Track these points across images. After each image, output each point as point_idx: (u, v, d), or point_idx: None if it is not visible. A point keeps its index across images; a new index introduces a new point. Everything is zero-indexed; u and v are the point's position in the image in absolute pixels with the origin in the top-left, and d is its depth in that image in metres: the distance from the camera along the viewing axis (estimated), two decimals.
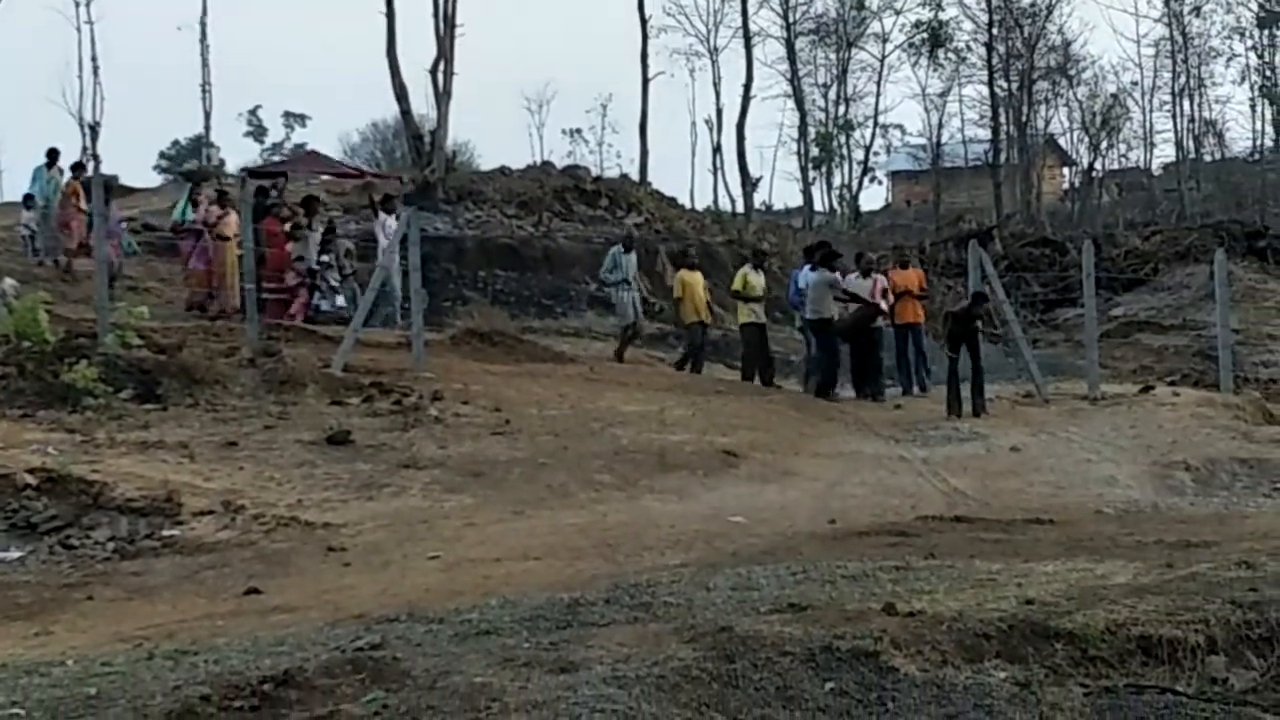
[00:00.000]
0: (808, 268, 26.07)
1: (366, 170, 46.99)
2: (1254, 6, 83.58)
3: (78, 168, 31.53)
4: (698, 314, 27.53)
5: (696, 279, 28.06)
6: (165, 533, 13.68)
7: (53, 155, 31.43)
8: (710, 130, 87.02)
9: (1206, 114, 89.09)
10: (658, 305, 35.92)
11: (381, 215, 27.86)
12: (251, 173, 34.83)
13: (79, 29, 74.61)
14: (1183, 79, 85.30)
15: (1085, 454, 19.90)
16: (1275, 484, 18.65)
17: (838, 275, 25.27)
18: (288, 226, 27.36)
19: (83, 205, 28.79)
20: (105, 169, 53.12)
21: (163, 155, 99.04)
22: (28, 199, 31.83)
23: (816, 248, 27.54)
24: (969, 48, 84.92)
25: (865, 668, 7.20)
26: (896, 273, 26.03)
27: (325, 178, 42.57)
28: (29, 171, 33.25)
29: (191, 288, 27.94)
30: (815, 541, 12.86)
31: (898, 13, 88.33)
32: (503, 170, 52.16)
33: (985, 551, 11.39)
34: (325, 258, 27.18)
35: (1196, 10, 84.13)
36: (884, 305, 25.03)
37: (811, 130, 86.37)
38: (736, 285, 27.40)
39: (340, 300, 27.09)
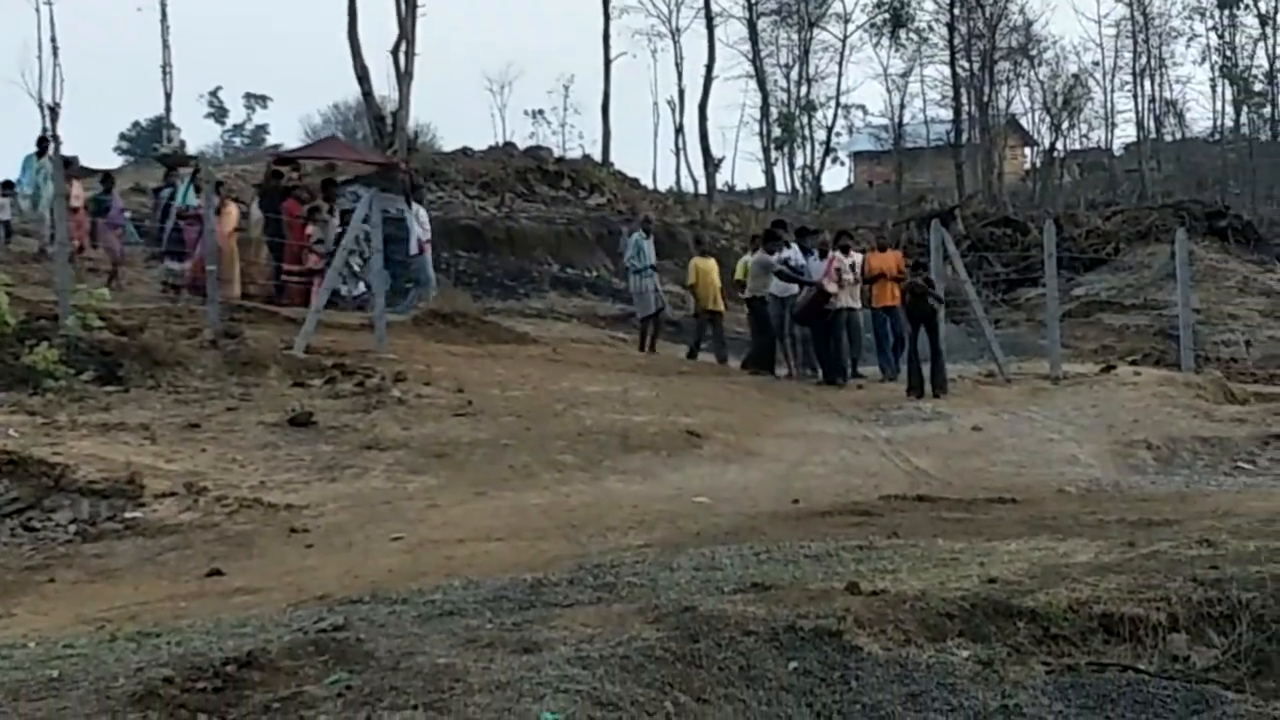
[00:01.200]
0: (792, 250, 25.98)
1: (388, 159, 46.77)
2: None
3: (68, 163, 30.80)
4: (715, 302, 27.44)
5: (711, 266, 27.98)
6: (127, 515, 13.64)
7: (43, 144, 30.91)
8: (672, 111, 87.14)
9: (1167, 94, 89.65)
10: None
11: (414, 205, 27.73)
12: (277, 159, 34.54)
13: (38, 9, 74.49)
14: (1144, 59, 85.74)
15: (1047, 433, 19.95)
16: (1236, 462, 18.73)
17: (774, 259, 25.18)
18: (306, 209, 27.20)
19: (74, 204, 27.81)
20: (66, 150, 52.78)
21: (123, 136, 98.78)
22: (6, 185, 31.17)
23: (772, 228, 27.49)
24: (930, 28, 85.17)
25: (829, 647, 7.21)
26: (874, 255, 25.39)
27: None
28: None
29: (197, 274, 27.43)
30: (779, 521, 12.87)
31: None
32: (465, 151, 52.13)
33: (948, 531, 11.42)
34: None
35: None
36: (830, 287, 24.25)
37: (774, 111, 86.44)
38: (739, 275, 27.23)
39: (361, 286, 26.91)
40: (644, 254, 27.55)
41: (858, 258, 25.20)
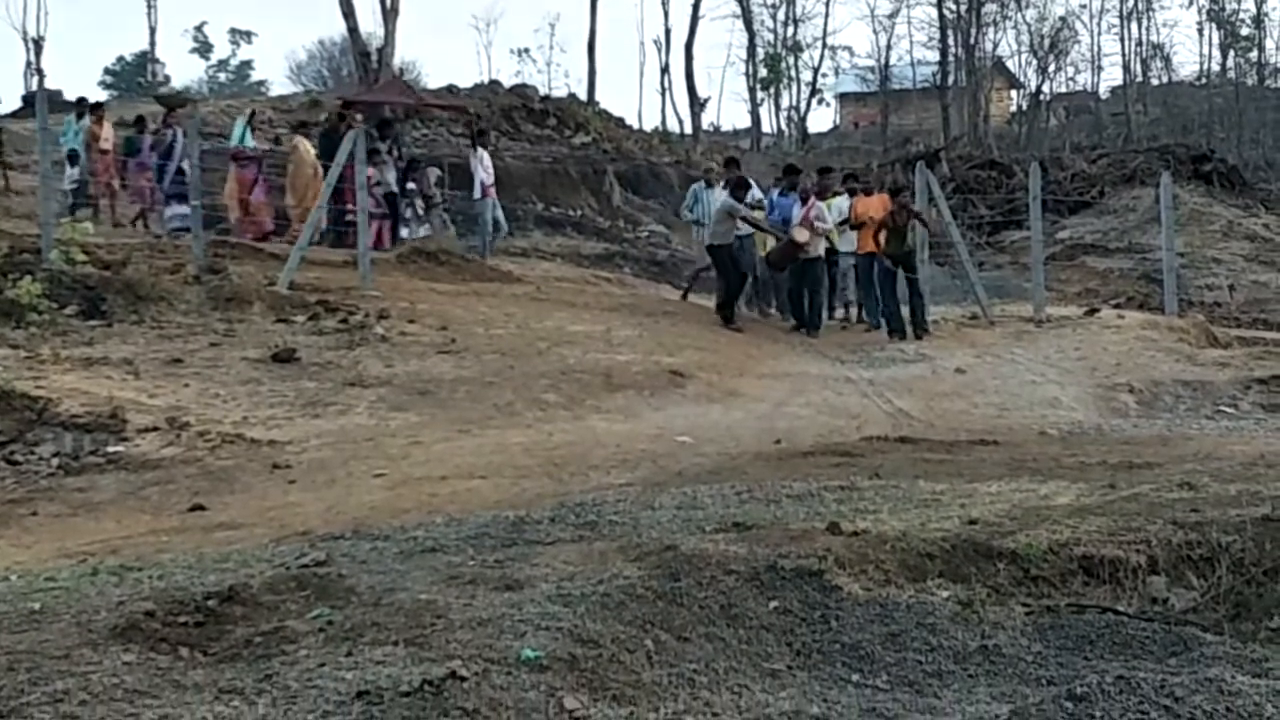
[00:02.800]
0: (776, 192, 25.58)
1: (452, 102, 46.45)
2: None
3: (94, 108, 29.38)
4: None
5: None
6: (110, 449, 13.64)
7: (81, 105, 29.84)
8: (659, 50, 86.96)
9: (1154, 37, 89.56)
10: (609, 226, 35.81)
11: (478, 149, 27.57)
12: (345, 103, 34.27)
13: None
14: (1131, 2, 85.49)
15: (1030, 376, 19.99)
16: (1218, 406, 18.78)
17: (742, 206, 23.76)
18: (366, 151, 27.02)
19: (105, 146, 27.79)
20: (49, 84, 52.54)
21: (107, 70, 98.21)
22: (73, 156, 30.12)
23: (727, 166, 26.96)
24: None
25: (809, 586, 7.24)
26: (860, 200, 24.67)
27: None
28: None
29: (256, 218, 27.11)
30: (760, 461, 12.91)
31: None
32: (450, 89, 51.97)
33: (930, 472, 11.45)
34: (410, 185, 26.90)
35: None
36: (801, 236, 23.30)
37: (760, 51, 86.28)
38: (689, 204, 26.90)
39: (424, 230, 26.73)
40: (702, 202, 26.83)
41: (818, 206, 24.19)
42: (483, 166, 26.96)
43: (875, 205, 23.94)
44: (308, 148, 26.84)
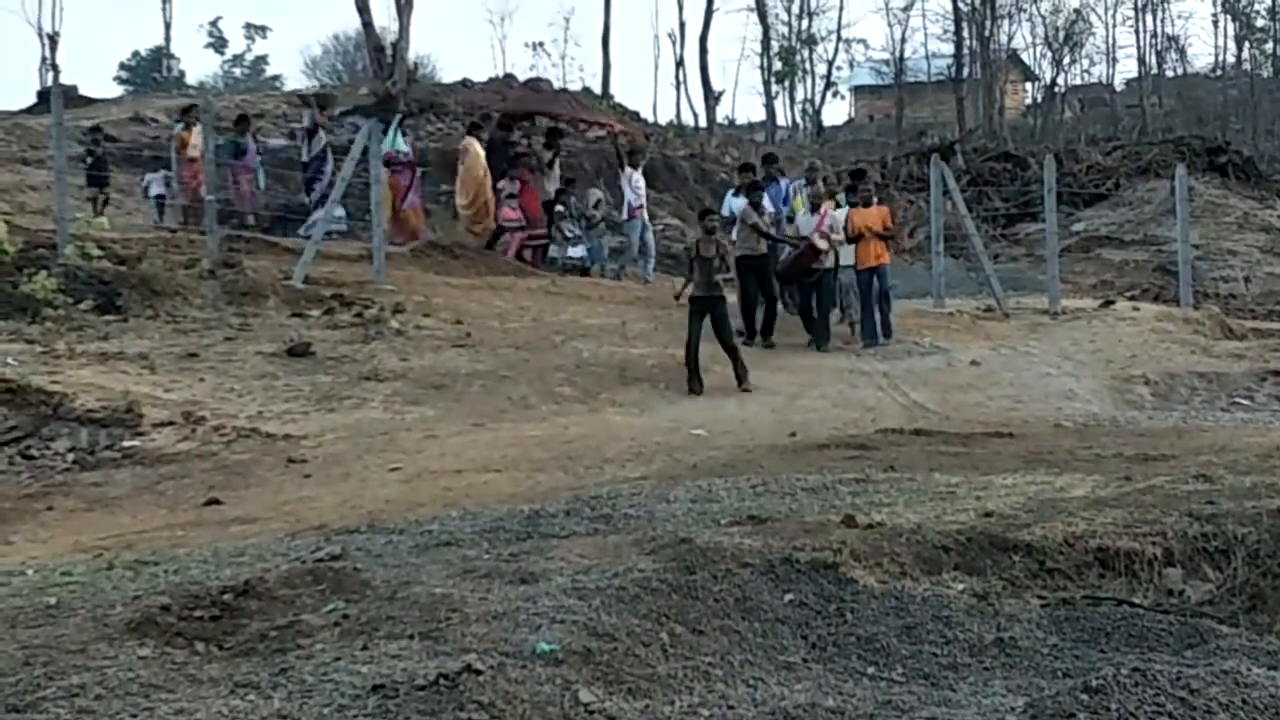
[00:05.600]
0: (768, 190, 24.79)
1: (615, 121, 46.31)
2: None
3: (186, 111, 28.67)
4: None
5: None
6: (125, 444, 13.67)
7: (188, 112, 29.07)
8: (673, 44, 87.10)
9: (1169, 29, 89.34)
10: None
11: (626, 169, 27.15)
12: (504, 115, 34.19)
13: None
14: None
15: (1045, 368, 19.95)
16: (1233, 398, 18.75)
17: (759, 213, 22.34)
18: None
19: (193, 154, 26.63)
20: (64, 79, 52.62)
21: (123, 66, 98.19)
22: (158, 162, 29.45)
23: (742, 171, 26.01)
24: None
25: (824, 579, 7.24)
26: (857, 212, 22.92)
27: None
28: None
29: (410, 224, 26.99)
30: (775, 454, 12.90)
31: None
32: (464, 83, 51.88)
33: (945, 464, 11.44)
34: (559, 207, 26.68)
35: None
36: (821, 244, 22.04)
37: (774, 44, 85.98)
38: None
39: (576, 251, 26.26)
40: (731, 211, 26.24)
41: (831, 215, 22.79)
42: (631, 186, 26.27)
43: (874, 217, 22.62)
44: (478, 149, 26.72)
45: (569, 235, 26.30)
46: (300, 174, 28.17)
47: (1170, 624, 6.95)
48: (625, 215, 26.56)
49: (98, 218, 24.67)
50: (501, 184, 25.97)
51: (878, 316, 22.02)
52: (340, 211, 26.21)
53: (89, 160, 28.90)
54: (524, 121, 31.82)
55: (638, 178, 26.33)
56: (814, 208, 22.74)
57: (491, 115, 31.48)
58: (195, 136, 26.58)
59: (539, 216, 26.55)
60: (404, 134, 27.31)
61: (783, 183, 24.29)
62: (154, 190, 28.58)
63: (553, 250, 26.32)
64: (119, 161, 31.65)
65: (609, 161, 32.56)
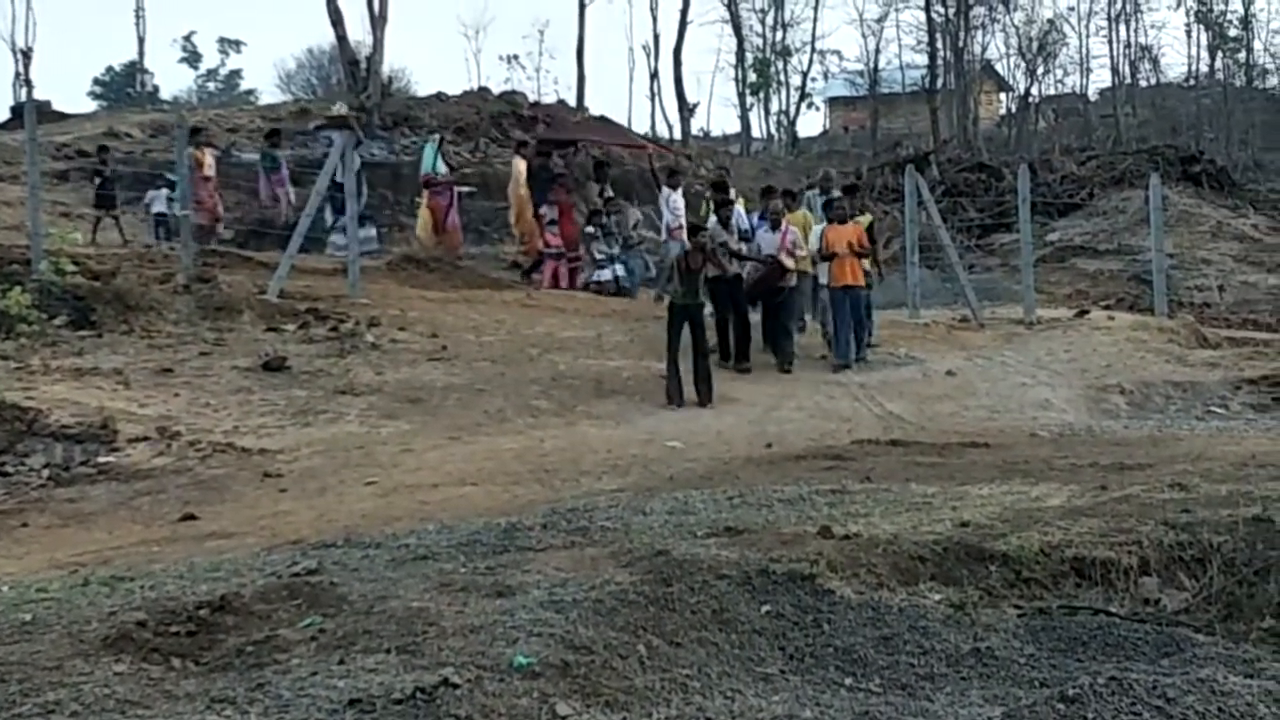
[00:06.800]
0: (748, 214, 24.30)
1: (653, 143, 46.31)
2: None
3: (195, 131, 27.78)
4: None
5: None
6: (101, 459, 13.64)
7: (196, 132, 28.64)
8: (647, 56, 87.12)
9: (1142, 39, 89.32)
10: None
11: (665, 189, 26.92)
12: (542, 140, 34.16)
13: None
14: (1119, 4, 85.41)
15: (1020, 378, 20.00)
16: (1208, 407, 18.82)
17: (727, 232, 21.84)
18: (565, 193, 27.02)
19: (208, 173, 26.60)
20: (38, 95, 52.51)
21: (97, 81, 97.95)
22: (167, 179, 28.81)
23: (715, 189, 24.78)
24: None
25: (801, 590, 7.25)
26: (832, 229, 22.04)
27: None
28: None
29: (453, 242, 27.38)
30: (752, 466, 12.93)
31: None
32: (439, 96, 51.84)
33: (921, 475, 11.47)
34: (589, 229, 26.57)
35: None
36: (788, 263, 21.46)
37: (749, 56, 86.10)
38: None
39: (606, 274, 26.10)
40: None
41: (792, 232, 22.05)
42: (669, 207, 26.03)
43: (848, 235, 21.71)
44: (521, 168, 27.08)
45: (599, 257, 26.24)
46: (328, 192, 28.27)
47: (1146, 633, 6.97)
48: (664, 236, 26.39)
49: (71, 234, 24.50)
50: (543, 210, 26.12)
51: (852, 335, 21.27)
52: (371, 231, 26.42)
53: (97, 180, 28.55)
54: (565, 148, 31.76)
55: (676, 198, 25.99)
56: (774, 225, 22.13)
57: (530, 141, 31.53)
58: (208, 156, 26.55)
59: (576, 239, 26.80)
60: (442, 155, 27.33)
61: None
62: (156, 208, 28.19)
63: (591, 274, 26.35)
64: (92, 177, 31.53)
65: (645, 182, 32.42)
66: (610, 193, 26.78)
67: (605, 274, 26.01)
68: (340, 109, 40.24)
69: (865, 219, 23.34)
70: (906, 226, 24.10)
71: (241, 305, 19.82)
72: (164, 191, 27.83)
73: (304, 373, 17.36)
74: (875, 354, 21.44)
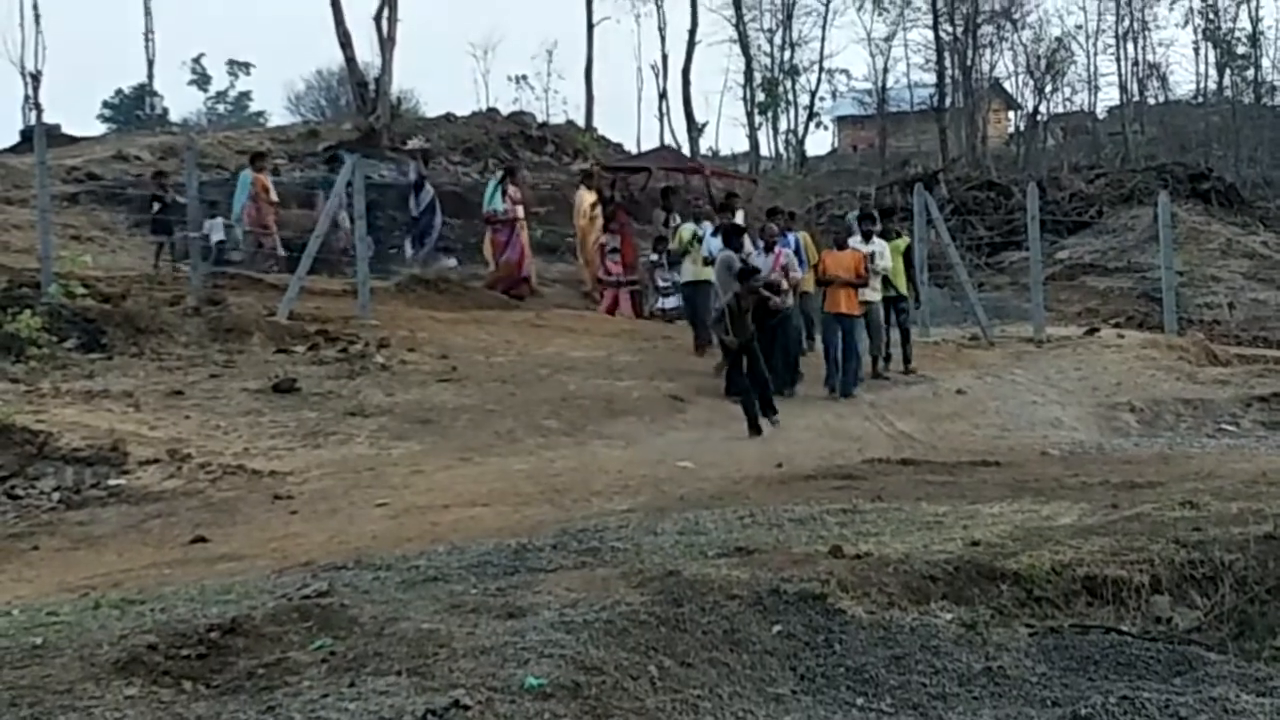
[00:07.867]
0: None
1: (713, 168, 46.40)
2: None
3: (257, 158, 28.61)
4: None
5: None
6: (111, 482, 13.65)
7: (256, 158, 28.55)
8: (656, 76, 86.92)
9: (1150, 57, 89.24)
10: None
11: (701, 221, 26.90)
12: (605, 167, 34.36)
13: None
14: (1126, 22, 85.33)
15: (1031, 396, 19.98)
16: (1219, 424, 18.80)
17: (738, 258, 20.22)
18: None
19: (273, 197, 27.03)
20: (48, 118, 52.53)
21: (106, 104, 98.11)
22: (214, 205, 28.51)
23: (721, 211, 24.91)
24: None
25: (812, 610, 7.23)
26: (829, 255, 21.69)
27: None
28: None
29: (501, 276, 27.22)
30: (762, 485, 12.91)
31: None
32: (448, 117, 51.87)
33: (931, 494, 11.45)
34: (654, 256, 26.58)
35: None
36: (783, 284, 20.73)
37: (757, 75, 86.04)
38: (685, 240, 25.70)
39: (671, 301, 25.91)
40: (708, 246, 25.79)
41: (785, 254, 21.73)
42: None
43: (846, 262, 21.14)
44: (583, 196, 27.74)
45: (662, 284, 26.29)
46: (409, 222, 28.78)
47: (1158, 651, 6.95)
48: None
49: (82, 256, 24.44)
50: (604, 238, 26.21)
51: (844, 364, 20.67)
52: (452, 262, 26.72)
53: (155, 207, 28.08)
54: (632, 174, 32.11)
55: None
56: (768, 247, 21.62)
57: (594, 171, 31.81)
58: (268, 180, 26.67)
59: (635, 265, 27.15)
60: (503, 191, 27.23)
61: (790, 236, 23.34)
62: (215, 236, 27.90)
63: (650, 302, 26.46)
64: (102, 200, 31.61)
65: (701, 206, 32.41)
66: (677, 220, 26.55)
67: (670, 301, 26.09)
68: (419, 143, 40.25)
69: (902, 241, 23.25)
70: (916, 245, 24.08)
71: (251, 327, 19.85)
72: (219, 220, 27.57)
73: (314, 394, 17.37)
74: (885, 373, 21.37)
